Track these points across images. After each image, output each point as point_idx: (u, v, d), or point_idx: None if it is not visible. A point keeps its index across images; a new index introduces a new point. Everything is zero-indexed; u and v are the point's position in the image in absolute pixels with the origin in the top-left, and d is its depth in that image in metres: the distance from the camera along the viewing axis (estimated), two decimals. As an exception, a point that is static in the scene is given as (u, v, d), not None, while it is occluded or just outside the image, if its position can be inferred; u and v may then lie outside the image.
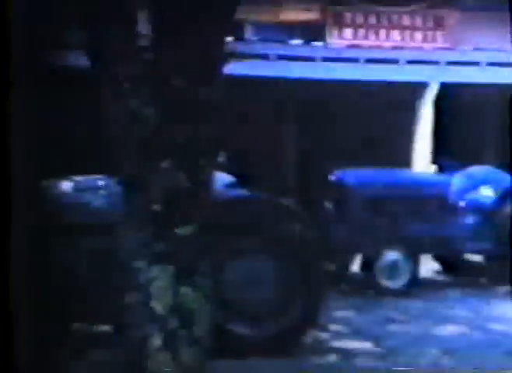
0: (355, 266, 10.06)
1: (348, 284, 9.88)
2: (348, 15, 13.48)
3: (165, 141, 5.14)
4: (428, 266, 10.63)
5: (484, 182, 10.40)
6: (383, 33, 13.54)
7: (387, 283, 9.68)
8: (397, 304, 9.16)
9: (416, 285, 9.76)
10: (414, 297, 9.46)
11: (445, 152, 12.25)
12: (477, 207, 10.20)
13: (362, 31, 13.50)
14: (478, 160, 11.25)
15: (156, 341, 4.74)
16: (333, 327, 7.97)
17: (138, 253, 4.87)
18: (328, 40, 13.36)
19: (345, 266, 9.85)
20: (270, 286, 6.98)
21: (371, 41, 13.48)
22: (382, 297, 9.44)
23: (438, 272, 10.98)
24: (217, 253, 6.33)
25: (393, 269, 9.68)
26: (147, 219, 4.92)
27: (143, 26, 5.41)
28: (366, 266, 9.88)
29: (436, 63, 13.15)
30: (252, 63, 12.34)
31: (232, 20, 5.82)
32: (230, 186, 7.61)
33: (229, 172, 8.11)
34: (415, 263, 9.82)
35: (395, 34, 13.57)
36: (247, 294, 6.91)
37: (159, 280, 4.80)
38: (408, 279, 9.72)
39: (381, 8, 13.52)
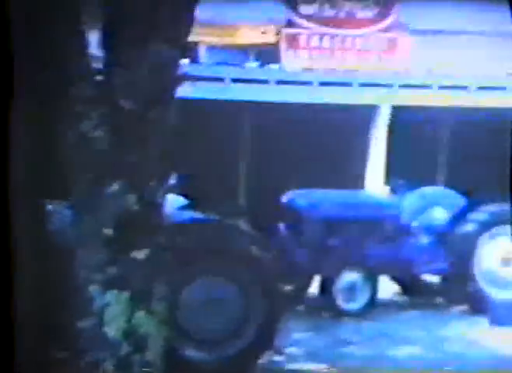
0: (313, 288, 10.04)
1: (305, 306, 9.84)
2: (303, 38, 13.58)
3: (116, 164, 5.09)
4: (386, 287, 10.65)
5: (437, 202, 10.50)
6: (337, 55, 13.66)
7: (345, 304, 9.67)
8: (355, 325, 9.16)
9: (374, 306, 9.77)
10: (372, 318, 9.47)
11: (398, 173, 12.34)
12: (430, 228, 10.28)
13: (317, 54, 13.61)
14: (430, 181, 11.38)
15: (109, 366, 4.67)
16: (290, 349, 7.92)
17: (91, 278, 4.80)
18: (283, 62, 13.44)
19: (303, 287, 9.82)
20: (225, 308, 6.93)
21: (326, 64, 13.59)
22: (340, 318, 9.43)
23: (396, 293, 11.00)
24: (172, 277, 6.28)
25: (350, 291, 9.68)
26: (99, 243, 4.86)
27: (95, 48, 5.38)
28: (324, 287, 9.87)
29: (389, 86, 13.30)
30: (206, 85, 12.35)
31: (186, 42, 5.81)
32: (183, 208, 7.58)
33: (181, 195, 8.08)
34: (373, 284, 9.84)
35: (350, 57, 13.70)
36: (202, 317, 6.86)
37: (113, 305, 4.73)
38: (366, 300, 9.73)
39: (335, 31, 13.65)
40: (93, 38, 5.64)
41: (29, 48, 4.88)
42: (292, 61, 13.46)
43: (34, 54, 4.93)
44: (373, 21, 13.79)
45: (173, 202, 6.91)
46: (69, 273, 4.96)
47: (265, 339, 7.01)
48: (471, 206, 10.23)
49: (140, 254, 4.87)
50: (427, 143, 13.64)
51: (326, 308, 9.68)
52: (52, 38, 5.03)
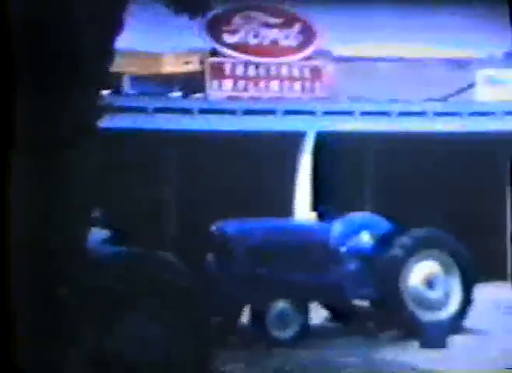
0: (245, 318, 9.95)
1: (237, 337, 9.73)
2: (227, 67, 13.61)
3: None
4: (318, 314, 10.64)
5: (364, 227, 10.57)
6: (262, 84, 13.74)
7: (277, 333, 9.62)
8: (288, 354, 9.10)
9: (306, 334, 9.73)
10: (304, 346, 9.43)
11: (325, 199, 12.42)
12: (357, 253, 10.34)
13: (242, 82, 13.65)
14: (357, 207, 11.48)
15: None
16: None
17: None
18: (208, 91, 13.43)
19: (233, 318, 9.72)
20: (154, 344, 6.77)
21: (251, 92, 13.65)
22: (273, 347, 9.35)
23: (328, 319, 10.99)
24: (97, 314, 6.12)
25: (282, 319, 9.64)
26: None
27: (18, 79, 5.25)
28: (255, 317, 9.80)
29: (312, 113, 13.43)
30: (130, 116, 12.23)
31: (108, 73, 5.73)
32: (106, 241, 7.44)
33: (105, 227, 7.95)
34: (304, 312, 9.81)
35: (274, 85, 13.80)
36: (130, 354, 6.67)
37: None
38: (297, 328, 9.70)
39: (259, 60, 13.74)
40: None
41: None
42: (216, 90, 13.46)
43: None
44: (296, 49, 13.95)
45: (96, 235, 6.76)
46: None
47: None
48: (397, 231, 10.36)
49: (62, 290, 4.74)
50: (353, 169, 13.80)
51: (258, 337, 9.60)
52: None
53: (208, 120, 12.92)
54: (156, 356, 6.72)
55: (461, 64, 14.36)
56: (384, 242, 10.30)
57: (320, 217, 11.21)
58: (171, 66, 13.67)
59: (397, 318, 10.08)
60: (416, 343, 9.48)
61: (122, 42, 5.88)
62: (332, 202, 11.42)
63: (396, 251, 10.15)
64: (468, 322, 10.34)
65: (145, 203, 12.85)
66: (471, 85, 14.20)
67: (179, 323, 6.77)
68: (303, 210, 13.11)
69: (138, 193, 12.74)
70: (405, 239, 10.22)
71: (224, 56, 13.63)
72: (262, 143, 12.70)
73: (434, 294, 10.29)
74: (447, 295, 10.32)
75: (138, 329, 6.68)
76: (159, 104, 12.84)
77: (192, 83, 13.50)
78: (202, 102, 13.21)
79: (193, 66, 13.68)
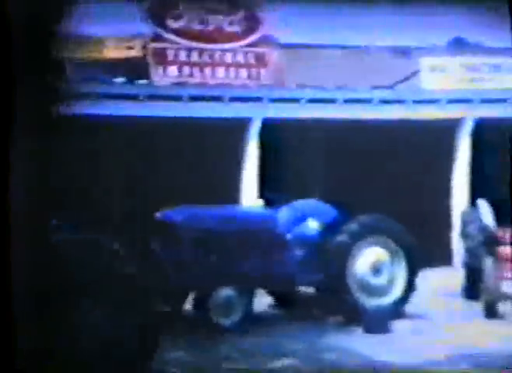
0: (189, 305, 9.92)
1: (182, 324, 9.69)
2: (170, 53, 13.47)
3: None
4: (262, 301, 10.66)
5: (310, 214, 10.61)
6: (208, 70, 13.65)
7: (221, 320, 9.61)
8: (232, 341, 9.10)
9: (251, 321, 9.75)
10: (249, 333, 9.44)
11: (271, 187, 12.44)
12: (304, 240, 10.38)
13: (187, 68, 13.54)
14: (304, 193, 11.51)
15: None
16: (168, 369, 7.78)
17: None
18: (153, 77, 13.28)
19: (178, 305, 9.67)
20: (100, 330, 6.70)
21: (197, 79, 13.54)
22: (217, 335, 9.34)
23: (272, 306, 11.03)
24: (41, 301, 6.02)
25: (226, 306, 9.63)
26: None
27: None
28: (199, 304, 9.77)
29: (259, 99, 13.41)
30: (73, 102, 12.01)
31: (50, 58, 5.62)
32: (53, 229, 7.32)
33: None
34: (249, 298, 9.82)
35: (220, 72, 13.72)
36: (75, 341, 6.59)
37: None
38: (242, 315, 9.70)
39: (203, 46, 13.64)
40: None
41: None
42: (161, 76, 13.33)
43: None
44: (241, 35, 13.89)
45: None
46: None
47: (143, 360, 6.84)
48: (344, 217, 10.41)
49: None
50: (300, 156, 13.84)
51: (202, 324, 9.57)
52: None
53: (154, 107, 12.80)
54: (102, 342, 6.65)
55: (405, 52, 14.49)
56: (330, 228, 10.35)
57: (267, 204, 11.22)
58: (113, 51, 13.46)
59: (341, 304, 10.16)
60: (360, 329, 9.58)
61: (64, 27, 5.78)
62: (279, 189, 11.45)
63: (342, 237, 10.22)
64: (411, 307, 10.48)
65: (90, 190, 12.67)
66: (414, 73, 14.35)
67: (125, 310, 6.71)
68: (249, 197, 13.11)
69: (83, 180, 12.55)
70: (351, 226, 10.29)
71: (167, 41, 13.49)
72: (208, 129, 12.63)
73: (379, 280, 10.39)
74: (391, 281, 10.44)
75: (85, 316, 6.61)
76: (104, 90, 12.65)
77: (136, 68, 13.33)
78: (148, 88, 13.07)
79: (135, 51, 13.50)
